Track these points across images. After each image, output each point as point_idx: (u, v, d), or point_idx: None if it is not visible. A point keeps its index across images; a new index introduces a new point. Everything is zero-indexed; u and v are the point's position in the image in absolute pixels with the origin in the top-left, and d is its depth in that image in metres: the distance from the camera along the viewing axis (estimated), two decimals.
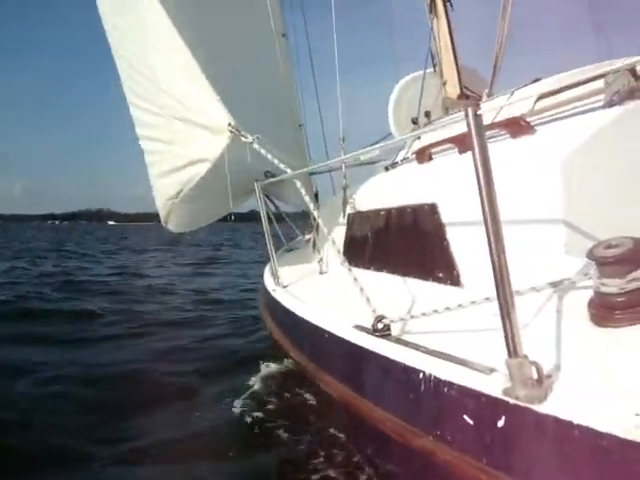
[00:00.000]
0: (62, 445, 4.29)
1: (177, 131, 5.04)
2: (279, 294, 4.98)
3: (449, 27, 6.00)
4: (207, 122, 4.56)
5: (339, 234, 4.80)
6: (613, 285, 1.90)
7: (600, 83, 2.97)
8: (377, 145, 3.16)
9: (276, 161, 4.11)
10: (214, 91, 4.48)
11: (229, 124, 4.32)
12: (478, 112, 1.87)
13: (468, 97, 5.58)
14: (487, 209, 1.80)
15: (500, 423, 1.81)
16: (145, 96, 5.49)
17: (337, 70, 5.32)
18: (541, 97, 3.62)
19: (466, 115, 1.87)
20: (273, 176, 5.11)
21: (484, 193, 1.80)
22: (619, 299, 1.90)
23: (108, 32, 5.96)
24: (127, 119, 6.05)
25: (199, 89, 4.58)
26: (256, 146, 4.21)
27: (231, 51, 6.39)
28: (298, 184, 4.05)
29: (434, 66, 6.20)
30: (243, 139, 4.26)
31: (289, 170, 4.09)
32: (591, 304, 2.03)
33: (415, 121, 5.69)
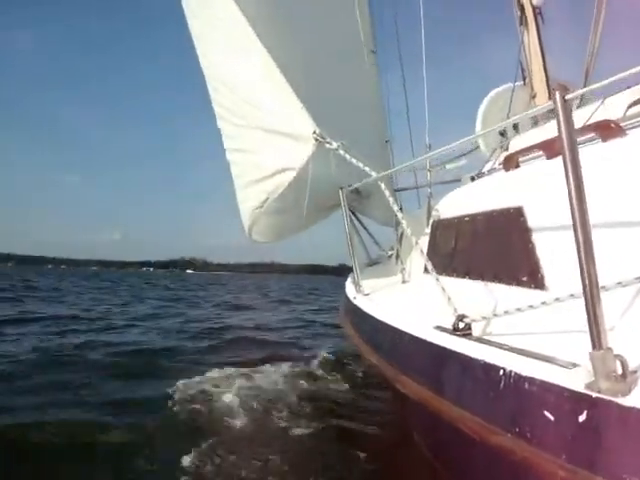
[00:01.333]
0: None
1: (261, 140, 5.10)
2: (360, 301, 4.99)
3: (539, 39, 5.92)
4: (291, 130, 4.60)
5: (423, 243, 4.77)
6: None
7: None
8: (462, 140, 3.12)
9: (361, 165, 4.12)
10: (298, 99, 4.53)
11: (314, 131, 4.35)
12: (567, 97, 1.85)
13: None
14: (576, 206, 1.78)
15: (582, 418, 1.75)
16: (230, 107, 5.62)
17: (425, 72, 5.33)
18: (633, 104, 3.54)
19: (554, 101, 1.86)
20: (357, 188, 5.14)
21: (573, 189, 1.78)
22: None
23: (197, 47, 6.17)
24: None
25: (282, 97, 4.63)
26: (341, 152, 4.23)
27: (318, 61, 6.47)
28: (382, 186, 4.05)
29: (523, 79, 6.12)
30: (328, 146, 4.29)
31: (374, 173, 4.10)
32: None
33: (503, 134, 5.62)
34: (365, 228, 7.70)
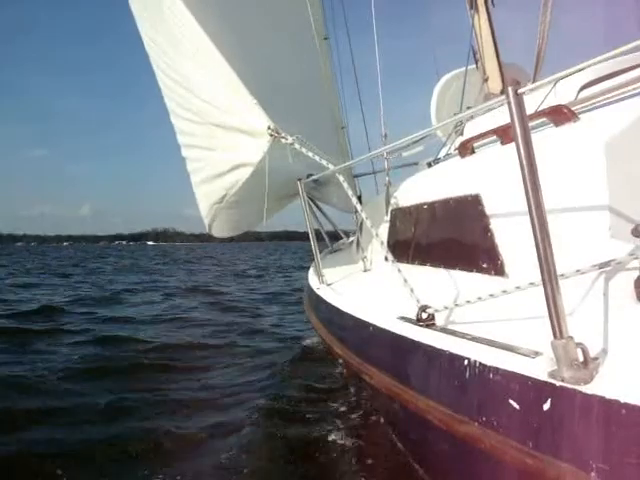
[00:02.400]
0: None
1: (216, 137, 5.05)
2: (323, 291, 5.00)
3: (490, 23, 5.94)
4: (246, 126, 4.56)
5: (382, 231, 4.79)
6: None
7: None
8: (419, 134, 3.12)
9: (317, 158, 4.10)
10: (251, 94, 4.47)
11: (268, 127, 4.32)
12: (519, 91, 1.86)
13: None
14: (531, 194, 1.79)
15: (546, 406, 1.79)
16: (183, 104, 5.54)
17: (378, 65, 5.33)
18: (585, 86, 3.57)
19: (507, 96, 1.87)
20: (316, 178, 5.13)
21: (527, 178, 1.80)
22: None
23: (146, 44, 6.05)
24: None
25: (235, 93, 4.58)
26: (297, 146, 4.21)
27: (269, 53, 6.40)
28: (341, 178, 4.04)
29: (476, 62, 6.15)
30: (283, 140, 4.26)
31: (331, 166, 4.09)
32: (637, 283, 1.99)
33: None
34: (325, 215, 7.70)
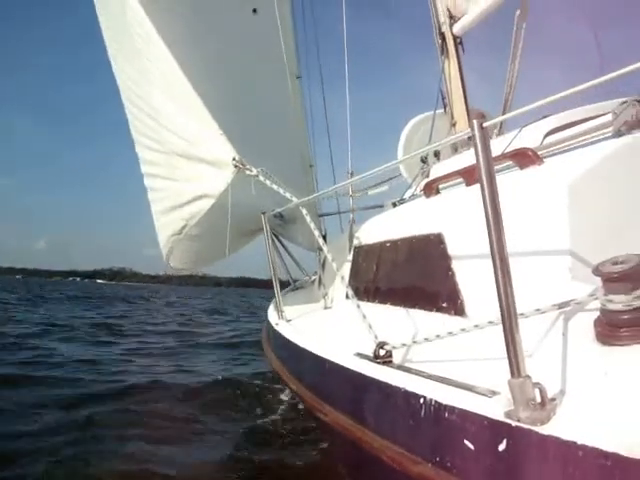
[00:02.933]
0: None
1: (180, 167, 5.00)
2: (281, 327, 4.93)
3: (460, 68, 6.03)
4: (210, 157, 4.51)
5: (345, 269, 4.76)
6: (619, 302, 1.82)
7: (609, 117, 2.96)
8: (382, 167, 3.11)
9: (281, 191, 4.07)
10: (217, 125, 4.44)
11: (233, 158, 4.27)
12: (484, 124, 1.85)
13: None
14: (493, 231, 1.77)
15: (502, 447, 1.73)
16: (147, 133, 5.49)
17: (348, 102, 5.36)
18: (550, 132, 3.62)
19: (472, 128, 1.86)
20: (280, 213, 5.11)
21: (490, 215, 1.77)
22: (625, 316, 1.82)
23: (115, 72, 6.03)
24: None
25: (201, 124, 4.54)
26: (261, 178, 4.17)
27: (239, 87, 6.43)
28: (304, 212, 4.00)
29: (444, 107, 6.22)
30: (247, 172, 4.22)
31: (295, 199, 4.05)
32: (597, 322, 1.96)
33: (424, 160, 5.68)
34: (289, 253, 7.66)
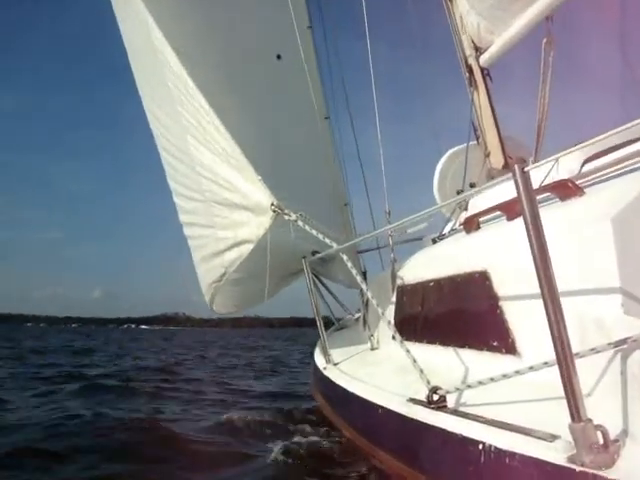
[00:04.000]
0: None
1: (218, 215, 5.05)
2: (329, 371, 4.90)
3: (489, 99, 6.03)
4: (248, 203, 4.56)
5: (389, 309, 4.73)
6: None
7: None
8: (422, 213, 3.11)
9: (321, 236, 4.07)
10: (254, 171, 4.49)
11: (272, 203, 4.31)
12: (525, 169, 1.86)
13: None
14: (541, 270, 1.76)
15: None
16: (185, 182, 5.60)
17: (380, 143, 5.38)
18: (588, 160, 3.58)
19: (513, 174, 1.86)
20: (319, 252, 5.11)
21: (537, 255, 1.77)
22: None
23: (150, 121, 6.17)
24: None
25: (239, 171, 4.60)
26: (300, 223, 4.19)
27: (272, 130, 6.52)
28: (345, 258, 4.00)
29: (477, 138, 6.21)
30: (286, 217, 4.24)
31: (335, 244, 4.06)
32: None
33: (460, 193, 5.66)
34: (330, 292, 7.63)
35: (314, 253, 5.12)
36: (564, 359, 1.73)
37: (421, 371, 2.94)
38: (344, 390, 4.20)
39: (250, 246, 4.74)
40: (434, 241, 5.04)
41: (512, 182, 1.87)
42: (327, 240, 4.07)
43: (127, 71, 6.59)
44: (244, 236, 4.78)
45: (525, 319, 2.85)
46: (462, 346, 3.43)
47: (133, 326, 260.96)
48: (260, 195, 4.42)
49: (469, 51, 6.03)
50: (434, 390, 2.76)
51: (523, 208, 1.83)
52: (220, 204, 4.98)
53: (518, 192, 1.85)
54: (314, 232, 4.11)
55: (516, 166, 1.87)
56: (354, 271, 3.92)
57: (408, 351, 3.10)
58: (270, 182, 4.49)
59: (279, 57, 7.43)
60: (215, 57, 6.45)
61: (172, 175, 5.96)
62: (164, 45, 5.12)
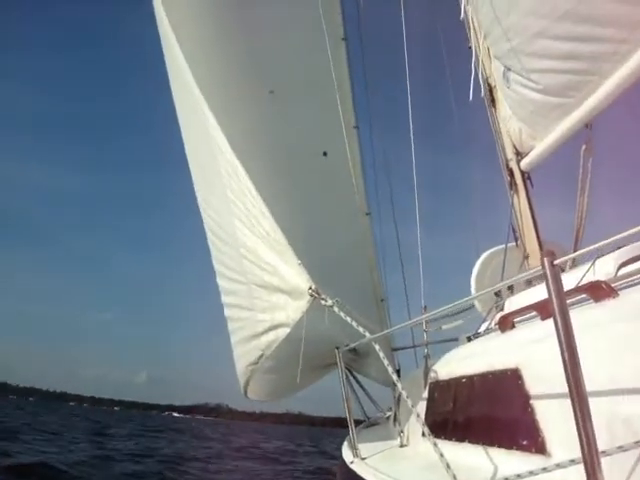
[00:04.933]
0: None
1: (258, 297, 5.16)
2: (357, 466, 4.79)
3: (529, 202, 6.10)
4: (287, 286, 4.65)
5: (420, 405, 4.66)
6: None
7: None
8: (457, 302, 3.14)
9: (355, 324, 4.10)
10: (295, 255, 4.60)
11: (310, 287, 4.38)
12: (555, 262, 1.90)
13: None
14: (570, 370, 1.78)
15: None
16: (229, 264, 5.76)
17: (419, 242, 5.46)
18: (624, 263, 3.59)
19: (542, 266, 1.90)
20: (354, 348, 5.10)
21: (565, 351, 1.79)
22: None
23: (200, 206, 6.41)
24: None
25: (280, 255, 4.74)
26: (336, 309, 4.23)
27: (315, 221, 6.69)
28: (377, 347, 4.01)
29: (515, 240, 6.24)
30: (322, 302, 4.29)
31: (368, 334, 4.08)
32: None
33: (498, 294, 5.65)
34: (362, 387, 7.54)
35: (348, 346, 5.13)
36: (590, 457, 1.72)
37: (448, 466, 2.90)
38: None
39: (287, 330, 4.80)
40: (469, 339, 5.01)
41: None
42: (360, 329, 4.10)
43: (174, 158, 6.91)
44: (281, 319, 4.84)
45: (556, 419, 2.80)
46: (492, 444, 3.37)
47: (175, 414, 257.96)
48: (298, 278, 4.51)
49: (510, 155, 6.15)
50: None
51: (552, 300, 1.86)
52: (260, 286, 5.09)
53: (547, 285, 1.88)
54: (348, 319, 4.15)
55: (546, 259, 1.91)
56: (386, 361, 3.93)
57: (436, 445, 3.07)
58: (309, 269, 4.58)
59: (325, 154, 7.73)
60: (265, 150, 6.78)
61: (217, 257, 6.14)
62: (219, 135, 5.40)
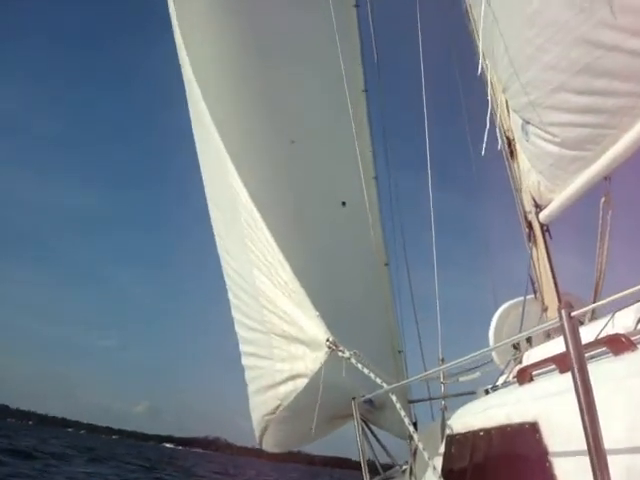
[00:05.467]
0: None
1: (277, 347, 5.17)
2: None
3: (548, 255, 6.07)
4: (305, 337, 4.67)
5: (437, 459, 4.59)
6: None
7: None
8: (475, 354, 3.13)
9: (372, 375, 4.09)
10: (313, 307, 4.61)
11: (327, 339, 4.38)
12: (572, 314, 1.89)
13: None
14: (588, 423, 1.78)
15: None
16: (248, 313, 5.77)
17: (437, 291, 5.44)
18: None
19: (560, 318, 1.89)
20: (370, 399, 5.06)
21: (583, 401, 1.78)
22: None
23: (220, 255, 6.46)
24: None
25: (298, 306, 4.76)
26: (353, 361, 4.21)
27: (333, 271, 6.70)
28: (394, 399, 3.98)
29: (534, 292, 6.20)
30: (340, 354, 4.29)
31: (385, 385, 4.05)
32: None
33: (517, 347, 5.60)
34: (378, 440, 7.44)
35: (365, 397, 5.09)
36: None
37: None
38: None
39: (305, 380, 4.79)
40: (487, 392, 4.95)
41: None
42: (378, 380, 4.08)
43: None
44: (299, 370, 4.84)
45: (574, 474, 2.75)
46: None
47: (171, 445, 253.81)
48: (317, 330, 4.52)
49: (529, 207, 6.16)
50: None
51: (569, 352, 1.85)
52: (279, 336, 5.11)
53: (564, 336, 1.88)
54: (366, 371, 4.13)
55: (563, 311, 1.91)
56: (402, 413, 3.89)
57: None
58: (327, 319, 4.59)
59: (344, 204, 7.77)
60: (284, 199, 6.84)
61: (236, 305, 6.16)
62: (239, 185, 5.47)
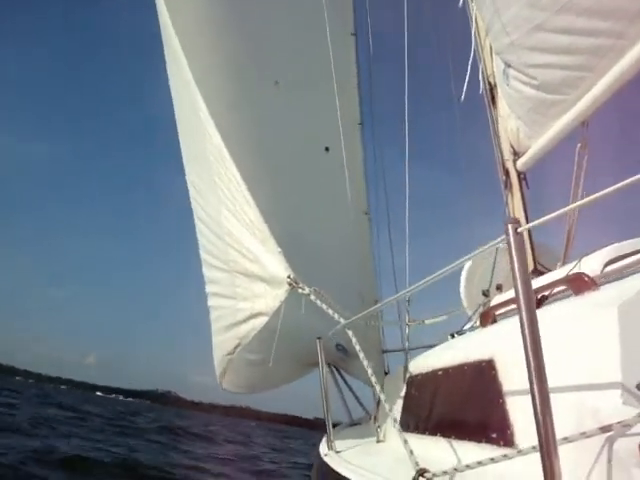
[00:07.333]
0: None
1: (239, 285, 5.11)
2: (329, 458, 4.73)
3: (524, 204, 6.00)
4: (266, 275, 4.60)
5: (398, 401, 4.60)
6: None
7: None
8: (438, 273, 3.09)
9: (330, 311, 4.03)
10: (276, 243, 4.53)
11: (288, 276, 4.32)
12: (519, 229, 1.82)
13: (542, 272, 5.41)
14: (531, 356, 1.78)
15: None
16: (214, 252, 5.69)
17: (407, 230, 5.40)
18: (610, 262, 3.52)
19: (506, 232, 1.83)
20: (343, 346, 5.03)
21: (528, 339, 1.76)
22: None
23: (190, 190, 6.33)
24: None
25: (262, 242, 4.68)
26: (312, 297, 4.16)
27: (307, 216, 6.61)
28: (350, 333, 3.92)
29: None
30: (300, 291, 4.22)
31: (343, 320, 3.99)
32: None
33: (486, 293, 5.56)
34: (350, 387, 7.44)
35: (338, 347, 5.06)
36: (546, 444, 1.69)
37: (411, 452, 2.84)
38: (337, 475, 4.05)
39: (264, 319, 4.73)
40: (452, 336, 4.94)
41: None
42: (336, 315, 4.02)
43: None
44: (260, 308, 4.77)
45: (525, 411, 2.72)
46: (463, 438, 3.30)
47: (120, 397, 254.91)
48: (278, 267, 4.45)
49: (507, 155, 6.06)
50: (421, 472, 2.71)
51: (513, 267, 1.78)
52: (242, 274, 5.04)
53: (510, 254, 1.81)
54: (324, 306, 4.08)
55: (509, 225, 1.83)
56: (362, 355, 3.86)
57: (402, 436, 3.02)
58: (294, 259, 4.51)
59: (327, 149, 7.61)
60: (262, 139, 6.67)
61: (204, 245, 6.08)
62: (207, 120, 5.32)
